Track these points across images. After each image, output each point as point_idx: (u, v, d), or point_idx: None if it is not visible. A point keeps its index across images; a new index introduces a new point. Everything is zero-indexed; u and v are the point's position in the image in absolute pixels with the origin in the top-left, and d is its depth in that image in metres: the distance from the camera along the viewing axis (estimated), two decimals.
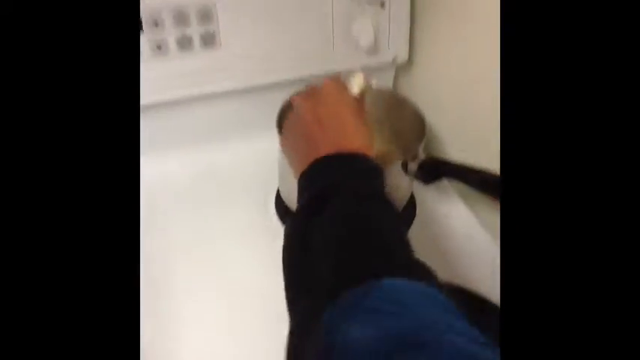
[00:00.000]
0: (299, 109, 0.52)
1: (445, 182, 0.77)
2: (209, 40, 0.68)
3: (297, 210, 0.44)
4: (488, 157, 0.61)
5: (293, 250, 0.41)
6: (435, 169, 0.65)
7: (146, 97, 0.67)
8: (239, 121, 0.78)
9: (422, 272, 0.35)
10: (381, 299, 0.31)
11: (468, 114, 0.71)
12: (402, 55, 0.79)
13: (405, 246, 0.39)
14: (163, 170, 0.75)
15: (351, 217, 0.40)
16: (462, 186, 0.72)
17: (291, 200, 0.69)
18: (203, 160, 0.77)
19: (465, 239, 0.70)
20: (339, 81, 0.54)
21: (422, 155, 0.65)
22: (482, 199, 0.70)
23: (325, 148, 0.45)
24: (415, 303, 0.31)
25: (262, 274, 0.62)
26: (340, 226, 0.39)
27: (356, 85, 0.55)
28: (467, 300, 0.51)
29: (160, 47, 0.66)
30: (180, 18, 0.65)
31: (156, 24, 0.64)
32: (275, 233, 0.67)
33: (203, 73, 0.69)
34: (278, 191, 0.73)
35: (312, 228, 0.40)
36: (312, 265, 0.38)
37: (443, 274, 0.37)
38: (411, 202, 0.73)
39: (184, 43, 0.67)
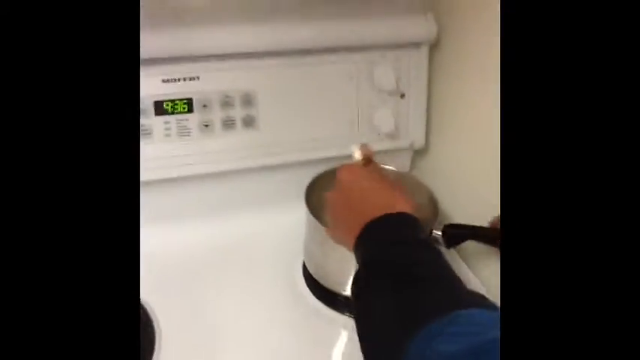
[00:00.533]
0: (331, 198, 0.59)
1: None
2: (249, 122, 0.77)
3: (356, 274, 0.49)
4: None
5: (364, 308, 0.46)
6: (458, 234, 0.72)
7: (194, 169, 0.76)
8: (271, 194, 0.85)
9: (482, 300, 0.42)
10: (461, 325, 0.37)
11: (478, 196, 0.78)
12: (419, 141, 0.88)
13: (461, 282, 0.45)
14: (200, 238, 0.81)
15: (410, 266, 0.46)
16: (462, 251, 0.80)
17: (316, 271, 0.75)
18: (235, 230, 0.84)
19: None
20: (351, 165, 0.62)
21: (438, 228, 0.72)
22: (482, 261, 0.78)
23: (371, 215, 0.51)
24: (487, 325, 0.37)
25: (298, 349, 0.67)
26: (406, 276, 0.45)
27: (356, 153, 0.63)
28: None
29: (207, 126, 0.75)
30: (226, 102, 0.75)
31: (205, 106, 0.74)
32: (304, 304, 0.73)
33: (242, 151, 0.78)
34: (304, 263, 0.78)
35: (380, 281, 0.46)
36: (387, 312, 0.43)
37: None
38: None
39: (228, 124, 0.76)
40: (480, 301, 0.42)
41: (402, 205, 0.52)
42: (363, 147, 0.64)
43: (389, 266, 0.47)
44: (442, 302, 0.41)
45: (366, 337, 0.45)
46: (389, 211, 0.51)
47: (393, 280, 0.45)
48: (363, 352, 0.44)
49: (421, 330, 0.38)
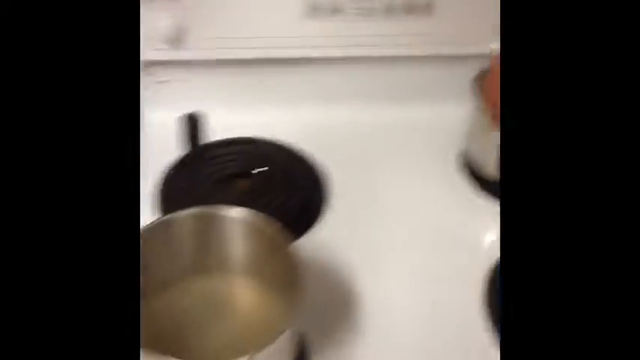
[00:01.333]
0: None
1: None
2: (425, 8, 0.78)
3: None
4: None
5: None
6: None
7: (375, 50, 0.81)
8: (433, 85, 0.87)
9: None
10: None
11: None
12: None
13: None
14: (355, 118, 0.86)
15: None
16: None
17: (476, 158, 0.79)
18: (392, 115, 0.87)
19: None
20: None
21: None
22: None
23: None
24: None
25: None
26: None
27: None
28: None
29: (390, 10, 0.78)
30: None
31: None
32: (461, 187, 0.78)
33: (420, 37, 0.81)
34: (465, 153, 0.81)
35: None
36: None
37: None
38: None
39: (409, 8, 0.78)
40: None
41: None
42: None
43: None
44: None
45: None
46: None
47: None
48: None
49: None
